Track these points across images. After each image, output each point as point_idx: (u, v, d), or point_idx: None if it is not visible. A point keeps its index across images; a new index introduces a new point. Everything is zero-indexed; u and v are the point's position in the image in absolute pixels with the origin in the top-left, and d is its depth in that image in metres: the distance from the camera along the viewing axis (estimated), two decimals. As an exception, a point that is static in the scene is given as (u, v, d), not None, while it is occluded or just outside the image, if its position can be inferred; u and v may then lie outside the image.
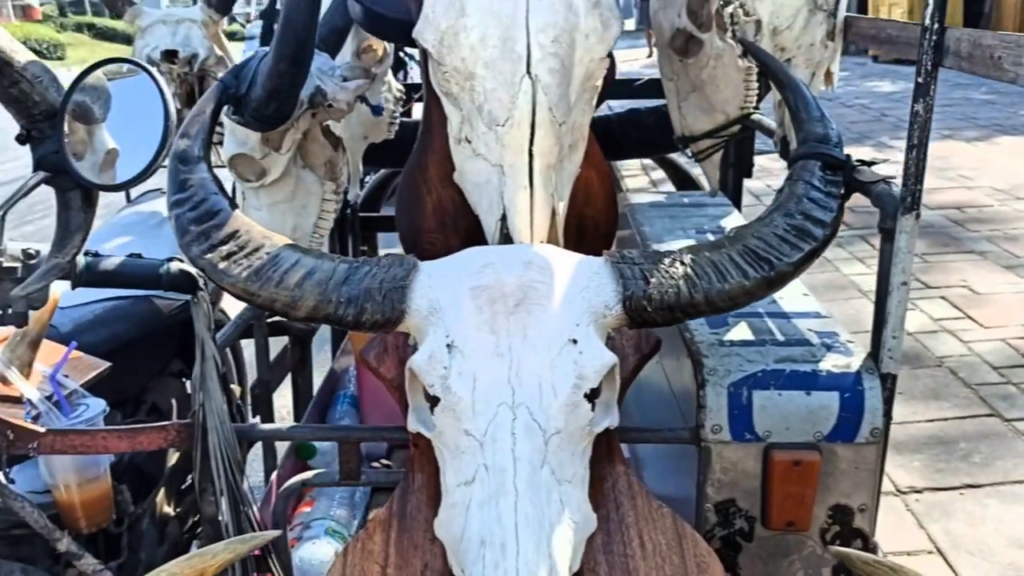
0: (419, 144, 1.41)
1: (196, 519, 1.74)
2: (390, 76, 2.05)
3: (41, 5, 55.86)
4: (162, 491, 1.66)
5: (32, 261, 1.01)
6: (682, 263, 1.08)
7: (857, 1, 13.78)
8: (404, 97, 2.12)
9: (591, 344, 0.99)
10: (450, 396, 0.96)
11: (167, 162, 1.19)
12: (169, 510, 1.70)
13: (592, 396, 0.98)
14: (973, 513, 2.24)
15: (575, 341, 0.98)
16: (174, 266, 1.20)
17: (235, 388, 1.53)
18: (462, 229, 1.33)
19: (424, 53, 1.20)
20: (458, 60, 1.12)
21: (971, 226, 4.53)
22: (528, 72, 1.10)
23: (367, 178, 2.79)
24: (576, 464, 0.97)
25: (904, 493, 2.28)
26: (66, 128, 0.94)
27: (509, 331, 0.98)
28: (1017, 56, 0.91)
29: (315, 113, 1.58)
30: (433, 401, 0.98)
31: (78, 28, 41.08)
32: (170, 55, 2.05)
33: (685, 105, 1.96)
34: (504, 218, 1.16)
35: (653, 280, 1.04)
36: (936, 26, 1.09)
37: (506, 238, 1.18)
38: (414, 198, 1.40)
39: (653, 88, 2.20)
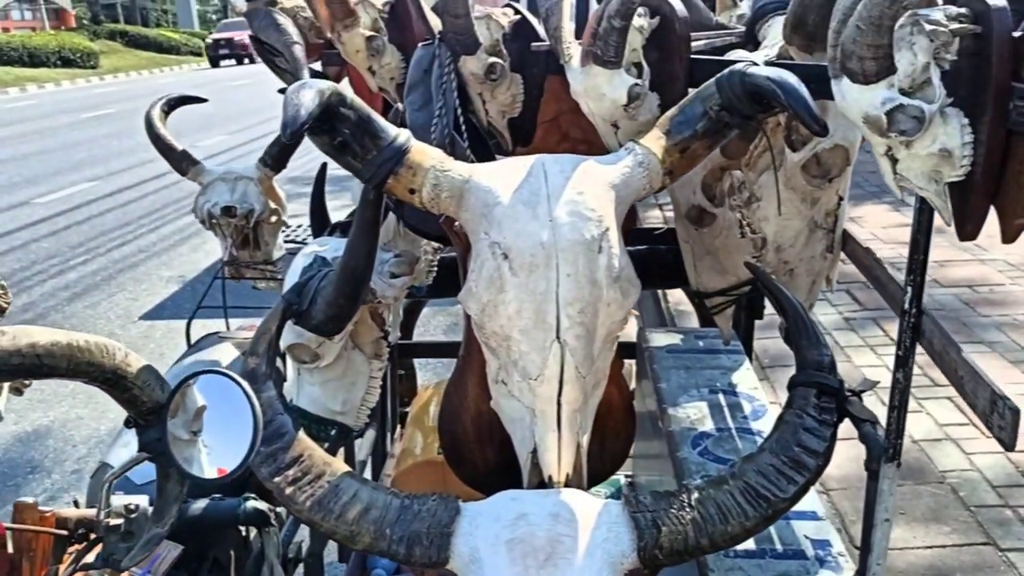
0: (461, 363, 1.58)
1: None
2: (428, 232, 2.22)
3: (74, 9, 56.87)
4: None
5: (133, 515, 1.19)
6: (690, 506, 1.24)
7: None
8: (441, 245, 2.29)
9: (610, 596, 1.16)
10: (489, 647, 1.14)
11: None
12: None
13: (610, 638, 1.16)
14: (958, 658, 2.37)
15: (596, 594, 1.15)
16: (249, 505, 1.38)
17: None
18: (497, 441, 1.51)
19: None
20: (497, 326, 1.29)
21: (981, 309, 4.63)
22: (558, 338, 1.26)
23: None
24: None
25: (899, 634, 2.44)
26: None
27: (540, 584, 1.15)
28: (974, 386, 1.07)
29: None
30: (474, 645, 1.16)
31: (111, 36, 41.73)
32: (228, 210, 2.24)
33: (700, 265, 2.13)
34: (535, 451, 1.34)
35: (664, 528, 1.21)
36: (914, 310, 1.25)
37: (536, 466, 1.35)
38: (455, 412, 1.58)
39: (671, 235, 2.37)
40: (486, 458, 1.57)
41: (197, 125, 13.76)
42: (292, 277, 1.69)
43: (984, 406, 1.05)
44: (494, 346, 1.33)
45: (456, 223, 1.44)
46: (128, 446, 1.87)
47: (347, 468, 1.34)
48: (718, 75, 1.30)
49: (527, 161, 1.34)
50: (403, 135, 1.30)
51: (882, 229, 5.99)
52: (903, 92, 1.04)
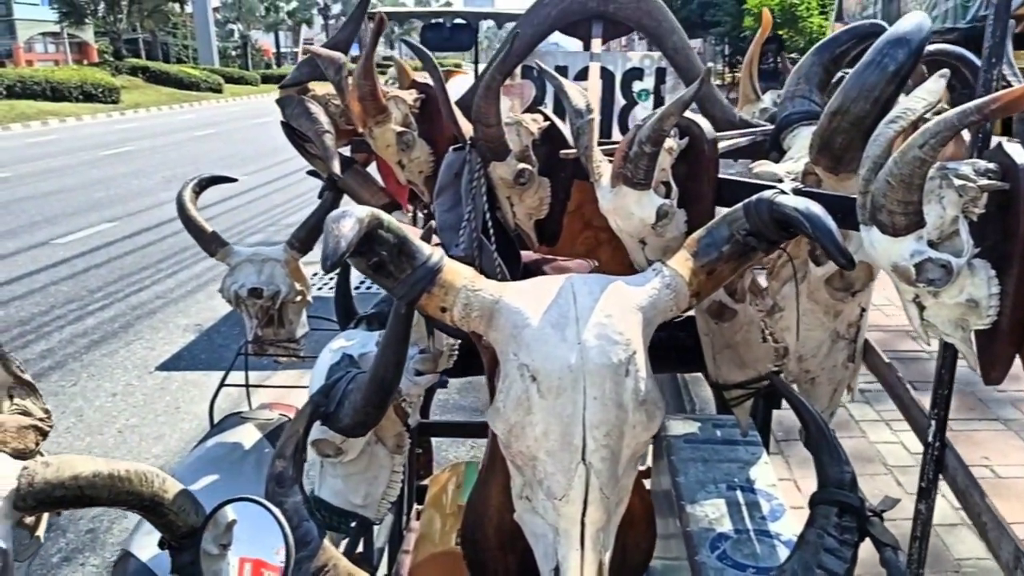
0: (484, 473, 1.60)
1: None
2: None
3: (96, 44, 57.91)
4: None
5: (163, 631, 1.21)
6: (712, 630, 1.24)
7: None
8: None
9: None
10: None
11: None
12: None
13: None
14: None
15: None
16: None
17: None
18: (519, 552, 1.52)
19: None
20: (524, 446, 1.30)
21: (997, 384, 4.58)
22: (583, 459, 1.28)
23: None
24: None
25: None
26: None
27: None
28: (998, 536, 1.08)
29: (388, 396, 1.78)
30: None
31: (133, 71, 42.35)
32: (255, 291, 2.28)
33: (719, 358, 2.13)
34: (557, 568, 1.35)
35: (685, 654, 1.21)
36: (938, 443, 1.26)
37: (558, 584, 1.36)
38: (478, 520, 1.59)
39: (691, 323, 2.38)
40: (507, 568, 1.58)
41: (214, 167, 13.91)
42: (319, 375, 1.71)
43: (1008, 559, 1.05)
44: (520, 464, 1.35)
45: (484, 339, 1.46)
46: (151, 534, 1.88)
47: (371, 580, 1.35)
48: (746, 201, 1.33)
49: (556, 281, 1.36)
50: (436, 255, 1.33)
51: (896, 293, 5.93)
52: (931, 243, 1.06)
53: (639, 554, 1.61)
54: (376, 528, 2.33)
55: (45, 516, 1.09)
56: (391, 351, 1.46)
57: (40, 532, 1.09)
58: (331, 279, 6.66)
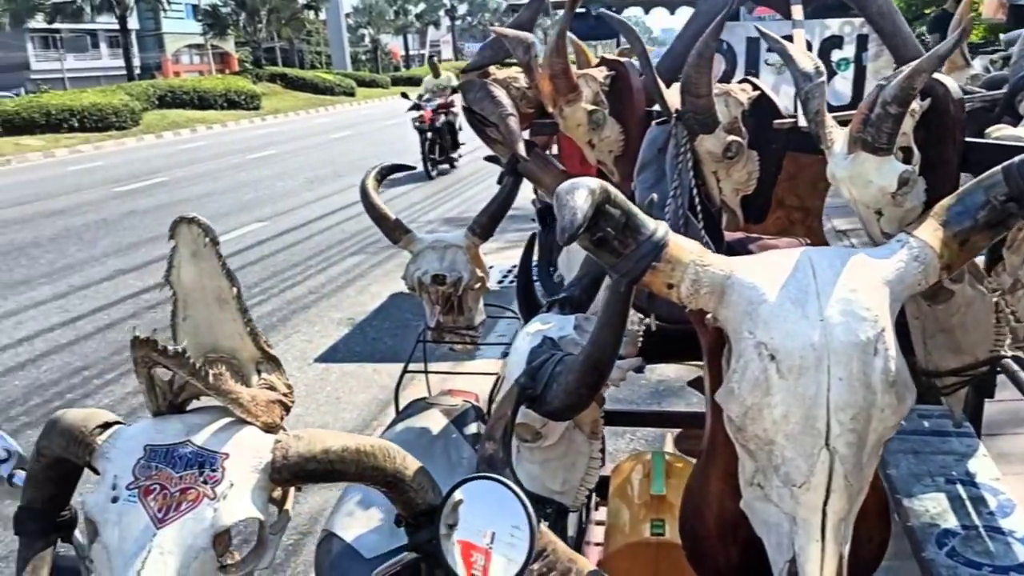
0: (704, 459, 1.52)
1: None
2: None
3: (237, 53, 60.79)
4: None
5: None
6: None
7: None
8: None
9: None
10: None
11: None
12: None
13: None
14: None
15: None
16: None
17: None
18: (741, 541, 1.44)
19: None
20: (760, 430, 1.22)
21: None
22: (827, 444, 1.19)
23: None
24: None
25: None
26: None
27: None
28: None
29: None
30: None
31: (271, 78, 44.16)
32: (438, 278, 2.28)
33: (931, 343, 1.99)
34: (793, 560, 1.26)
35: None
36: None
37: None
38: (697, 509, 1.52)
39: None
40: (729, 558, 1.50)
41: (352, 168, 14.20)
42: (518, 360, 1.68)
43: None
44: (753, 449, 1.27)
45: (708, 315, 1.39)
46: (351, 515, 1.90)
47: (592, 567, 1.31)
48: (1007, 163, 1.21)
49: (791, 255, 1.28)
50: (661, 229, 1.26)
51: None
52: None
53: (872, 549, 1.50)
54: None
55: (292, 491, 1.09)
56: (609, 331, 1.41)
57: (288, 506, 1.08)
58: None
